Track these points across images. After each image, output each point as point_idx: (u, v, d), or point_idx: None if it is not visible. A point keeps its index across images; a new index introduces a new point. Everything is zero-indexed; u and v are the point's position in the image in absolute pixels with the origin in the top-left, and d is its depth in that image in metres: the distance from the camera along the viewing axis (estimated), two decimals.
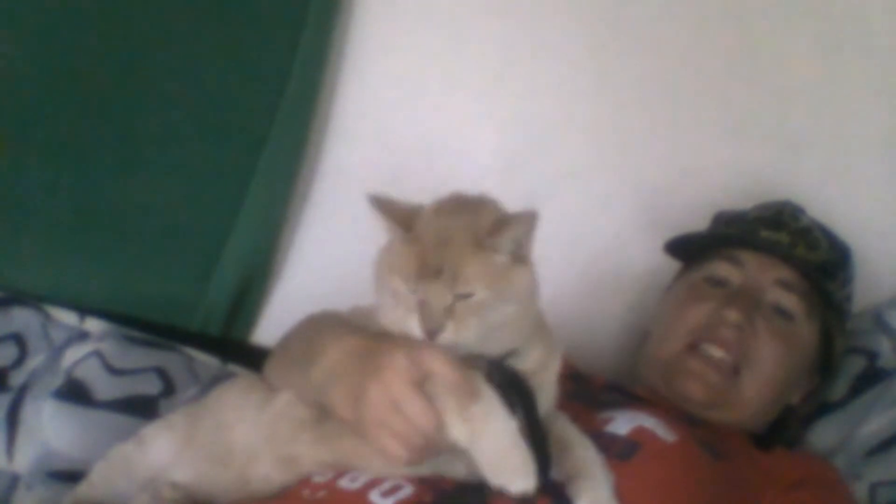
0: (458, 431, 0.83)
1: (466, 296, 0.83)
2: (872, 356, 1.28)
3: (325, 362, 0.91)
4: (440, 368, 0.83)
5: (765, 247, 1.23)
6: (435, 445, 0.84)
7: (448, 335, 0.83)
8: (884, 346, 1.28)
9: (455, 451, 0.85)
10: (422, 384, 0.83)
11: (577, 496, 0.87)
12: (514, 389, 0.88)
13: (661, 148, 1.47)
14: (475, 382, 0.84)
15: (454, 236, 0.84)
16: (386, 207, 0.88)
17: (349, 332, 0.92)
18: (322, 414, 0.93)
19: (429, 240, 0.85)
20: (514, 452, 0.82)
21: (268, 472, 0.95)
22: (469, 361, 0.87)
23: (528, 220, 0.85)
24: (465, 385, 0.83)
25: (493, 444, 0.82)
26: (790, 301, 1.20)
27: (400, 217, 0.88)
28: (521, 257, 0.86)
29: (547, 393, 0.92)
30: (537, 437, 0.87)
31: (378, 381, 0.84)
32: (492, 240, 0.84)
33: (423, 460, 0.86)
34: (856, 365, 1.28)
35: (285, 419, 0.96)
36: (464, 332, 0.83)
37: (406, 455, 0.84)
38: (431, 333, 0.83)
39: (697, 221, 1.34)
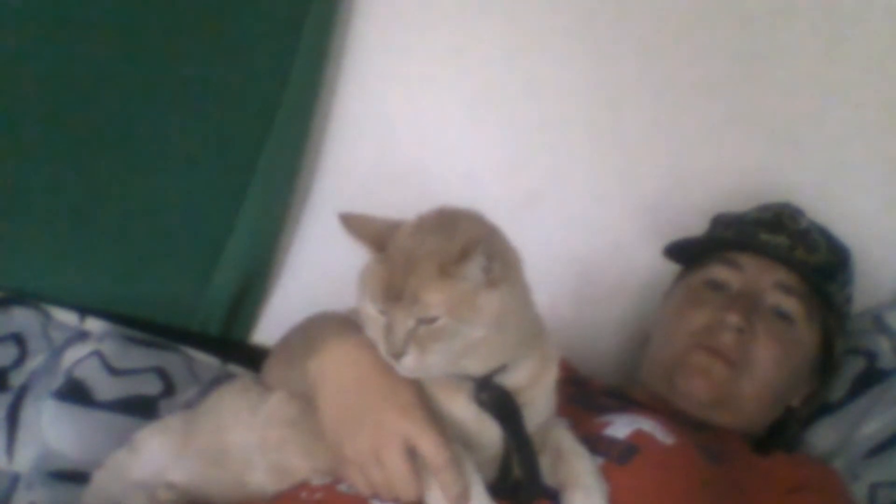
0: None
1: (429, 321, 0.81)
2: (872, 357, 1.28)
3: (324, 356, 0.91)
4: (433, 457, 0.83)
5: (764, 250, 1.22)
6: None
7: (410, 360, 0.82)
8: (883, 346, 1.28)
9: None
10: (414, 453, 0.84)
11: None
12: (502, 407, 0.88)
13: (661, 149, 1.47)
14: (469, 479, 0.84)
15: (420, 261, 0.82)
16: (358, 227, 0.87)
17: (351, 332, 0.91)
18: (312, 411, 0.92)
19: (397, 262, 0.83)
20: None
21: (262, 481, 0.95)
22: (455, 380, 0.87)
23: (490, 245, 0.82)
24: (457, 483, 0.83)
25: None
26: (790, 304, 1.20)
27: (373, 236, 0.86)
28: (493, 280, 0.83)
29: (540, 406, 0.92)
30: (525, 453, 0.88)
31: (373, 432, 0.85)
32: (455, 267, 0.81)
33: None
34: (855, 366, 1.28)
35: (274, 423, 0.96)
36: (427, 358, 0.82)
37: (368, 494, 0.86)
38: (394, 357, 0.82)
39: (697, 223, 1.34)
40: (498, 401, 0.88)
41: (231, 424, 0.99)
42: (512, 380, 0.89)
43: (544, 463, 0.91)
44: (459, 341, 0.83)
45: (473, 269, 0.82)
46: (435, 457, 0.83)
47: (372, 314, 0.85)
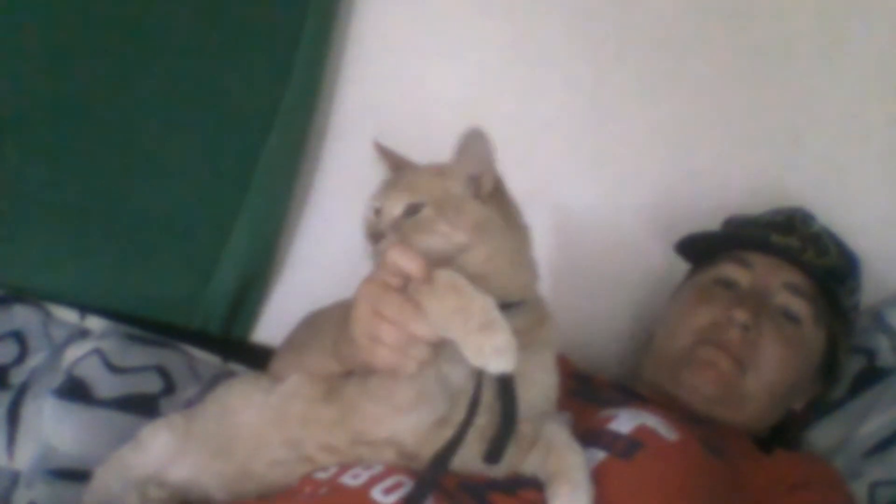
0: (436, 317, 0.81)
1: (414, 210, 0.89)
2: (871, 355, 1.28)
3: (331, 326, 0.93)
4: (403, 261, 0.82)
5: (775, 250, 1.23)
6: (426, 344, 0.82)
7: (388, 240, 0.88)
8: (883, 345, 1.29)
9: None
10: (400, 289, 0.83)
11: (554, 497, 0.86)
12: None
13: (663, 147, 1.48)
14: (445, 273, 0.82)
15: (423, 168, 0.95)
16: (386, 152, 0.99)
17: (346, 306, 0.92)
18: (332, 389, 0.93)
19: (404, 170, 0.96)
20: (493, 332, 0.79)
21: (275, 456, 0.94)
22: None
23: (485, 165, 0.92)
24: (430, 274, 0.82)
25: (470, 325, 0.79)
26: (798, 305, 1.20)
27: (395, 162, 0.98)
28: (481, 195, 0.91)
29: (536, 379, 0.92)
30: (506, 400, 0.87)
31: (359, 305, 0.85)
32: (448, 167, 0.91)
33: (418, 367, 0.84)
34: (855, 364, 1.28)
35: (297, 398, 0.96)
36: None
37: (400, 362, 0.83)
38: (375, 238, 0.89)
39: (699, 221, 1.34)
40: None
41: (241, 408, 0.99)
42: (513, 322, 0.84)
43: (536, 456, 0.91)
44: (441, 241, 0.88)
45: (464, 170, 0.91)
46: (412, 266, 0.82)
47: (367, 216, 0.92)
